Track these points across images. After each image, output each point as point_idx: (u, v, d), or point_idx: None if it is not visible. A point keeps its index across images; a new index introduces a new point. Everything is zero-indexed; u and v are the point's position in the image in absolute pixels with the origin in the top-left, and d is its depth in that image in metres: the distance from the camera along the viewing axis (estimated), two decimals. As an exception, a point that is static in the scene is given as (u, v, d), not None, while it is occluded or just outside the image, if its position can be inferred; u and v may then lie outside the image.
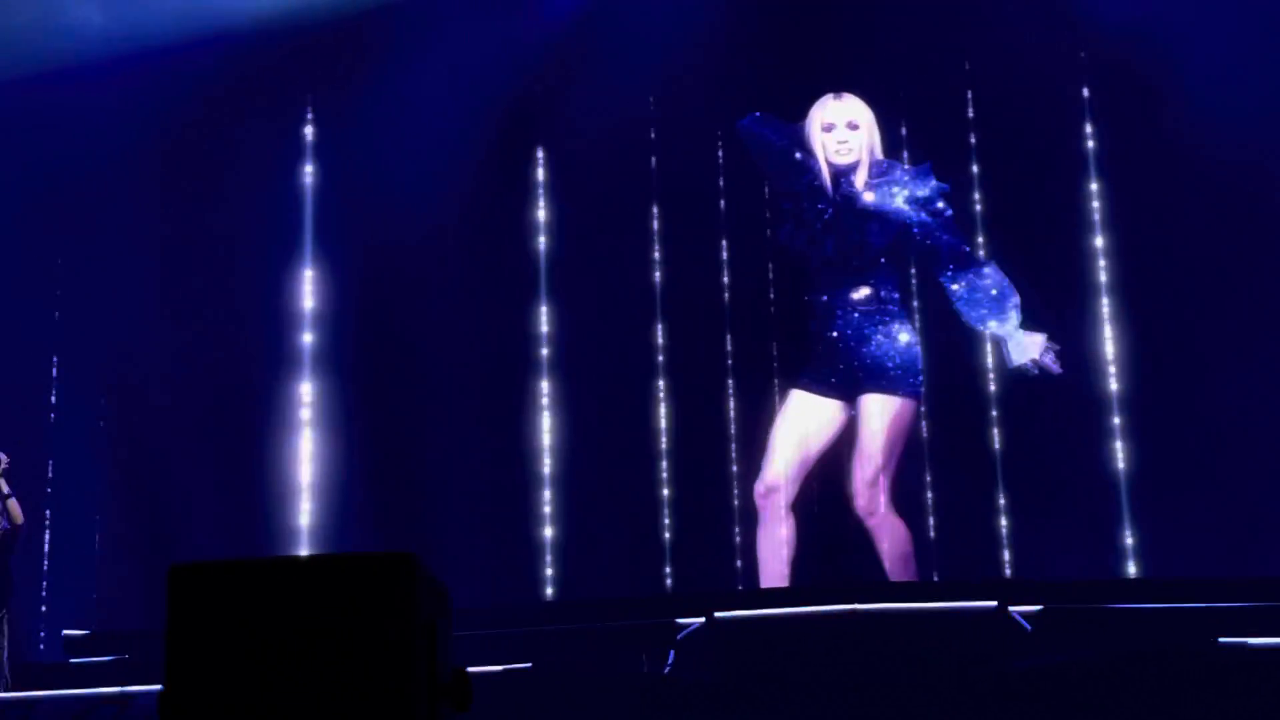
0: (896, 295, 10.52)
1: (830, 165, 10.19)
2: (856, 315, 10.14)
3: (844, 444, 10.50)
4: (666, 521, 11.49)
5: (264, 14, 11.75)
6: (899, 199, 10.15)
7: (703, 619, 9.21)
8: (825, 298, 10.26)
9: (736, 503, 11.37)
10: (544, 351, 11.84)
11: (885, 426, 9.97)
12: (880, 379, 9.99)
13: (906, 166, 10.42)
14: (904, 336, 10.12)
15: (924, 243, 10.36)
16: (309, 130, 12.50)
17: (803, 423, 10.18)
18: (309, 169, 12.40)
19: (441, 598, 2.96)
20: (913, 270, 11.03)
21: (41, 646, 11.15)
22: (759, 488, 10.06)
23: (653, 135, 11.95)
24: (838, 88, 10.93)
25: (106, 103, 11.89)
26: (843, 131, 10.30)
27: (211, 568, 2.88)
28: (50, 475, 11.90)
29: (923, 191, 10.20)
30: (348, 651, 2.78)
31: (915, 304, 10.92)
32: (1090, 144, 11.38)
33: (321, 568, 2.90)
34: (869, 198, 10.09)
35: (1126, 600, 9.62)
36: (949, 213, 10.47)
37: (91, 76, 11.78)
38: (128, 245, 12.11)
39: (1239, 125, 10.39)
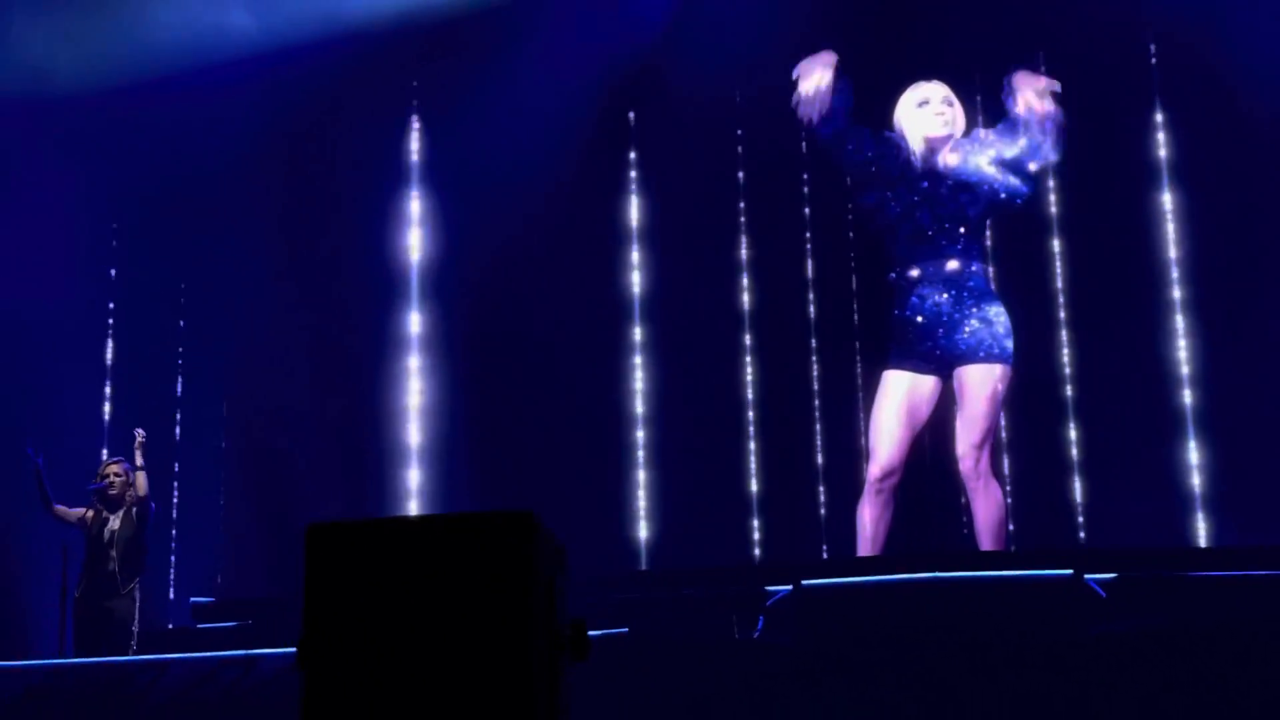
0: (985, 265, 10.37)
1: (926, 140, 10.01)
2: (951, 288, 9.94)
3: (940, 417, 10.45)
4: (754, 489, 11.68)
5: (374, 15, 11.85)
6: (985, 163, 9.94)
7: (790, 586, 9.21)
8: (916, 272, 10.08)
9: (821, 467, 11.55)
10: (637, 331, 12.06)
11: (985, 394, 9.73)
12: (978, 349, 9.79)
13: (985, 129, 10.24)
14: (994, 306, 9.93)
15: (1013, 203, 10.12)
16: (415, 127, 12.67)
17: (905, 402, 9.99)
18: (415, 153, 12.58)
19: (559, 554, 3.00)
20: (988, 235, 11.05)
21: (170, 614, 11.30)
22: (874, 471, 9.81)
23: (739, 131, 12.10)
24: (922, 77, 10.91)
25: (227, 107, 11.99)
26: (939, 105, 10.13)
27: (345, 527, 2.97)
28: (178, 450, 12.08)
29: (1010, 151, 9.98)
30: (471, 606, 2.85)
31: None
32: (1161, 135, 11.37)
33: (446, 526, 2.95)
34: (958, 166, 9.89)
35: (1200, 568, 9.56)
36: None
37: (219, 78, 11.86)
38: (252, 227, 12.30)
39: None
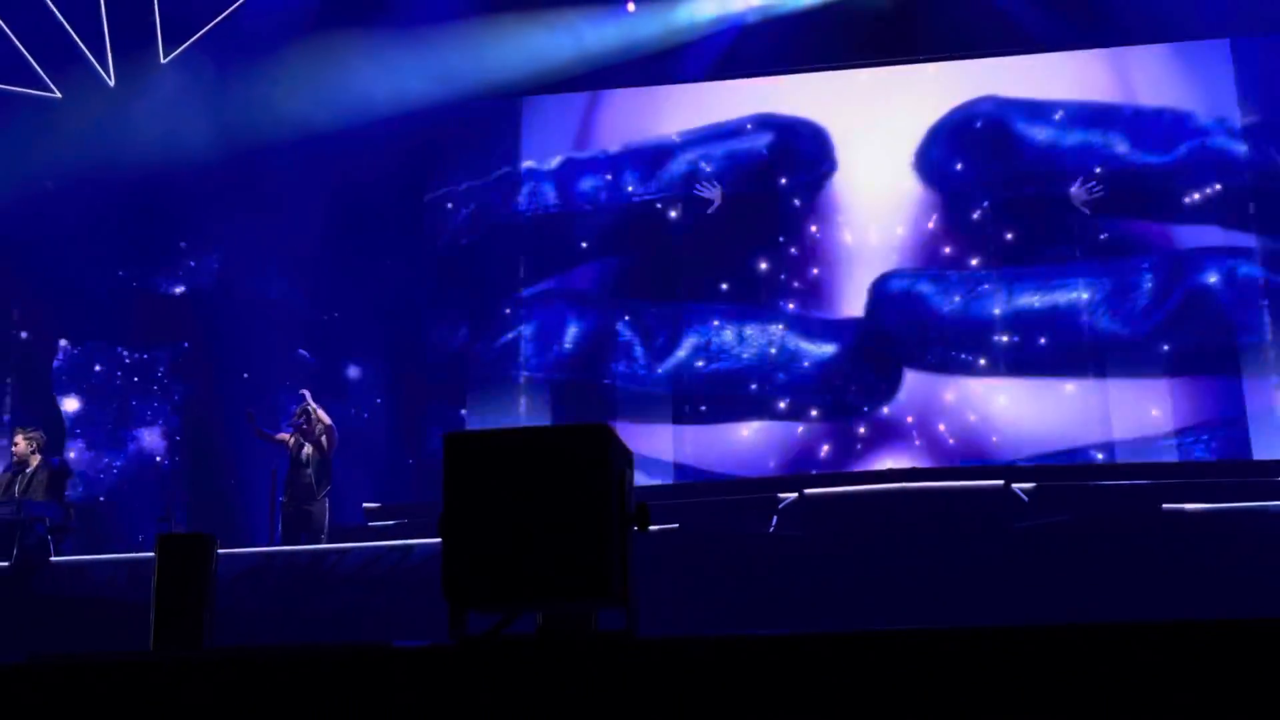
0: None
1: None
2: None
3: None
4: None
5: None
6: None
7: (796, 494, 9.21)
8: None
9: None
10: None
11: None
12: None
13: None
14: None
15: None
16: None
17: None
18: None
19: (627, 455, 3.05)
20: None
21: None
22: None
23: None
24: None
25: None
26: None
27: (472, 435, 3.03)
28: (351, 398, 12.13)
29: None
30: (565, 491, 2.89)
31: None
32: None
33: (546, 434, 3.00)
34: None
35: (1095, 479, 9.53)
36: None
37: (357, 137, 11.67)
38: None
39: None
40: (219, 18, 11.88)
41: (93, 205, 11.47)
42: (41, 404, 11.86)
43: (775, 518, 9.19)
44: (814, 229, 11.81)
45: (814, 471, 10.98)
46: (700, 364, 11.80)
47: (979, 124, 11.48)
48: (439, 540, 2.99)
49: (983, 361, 11.19)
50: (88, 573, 8.75)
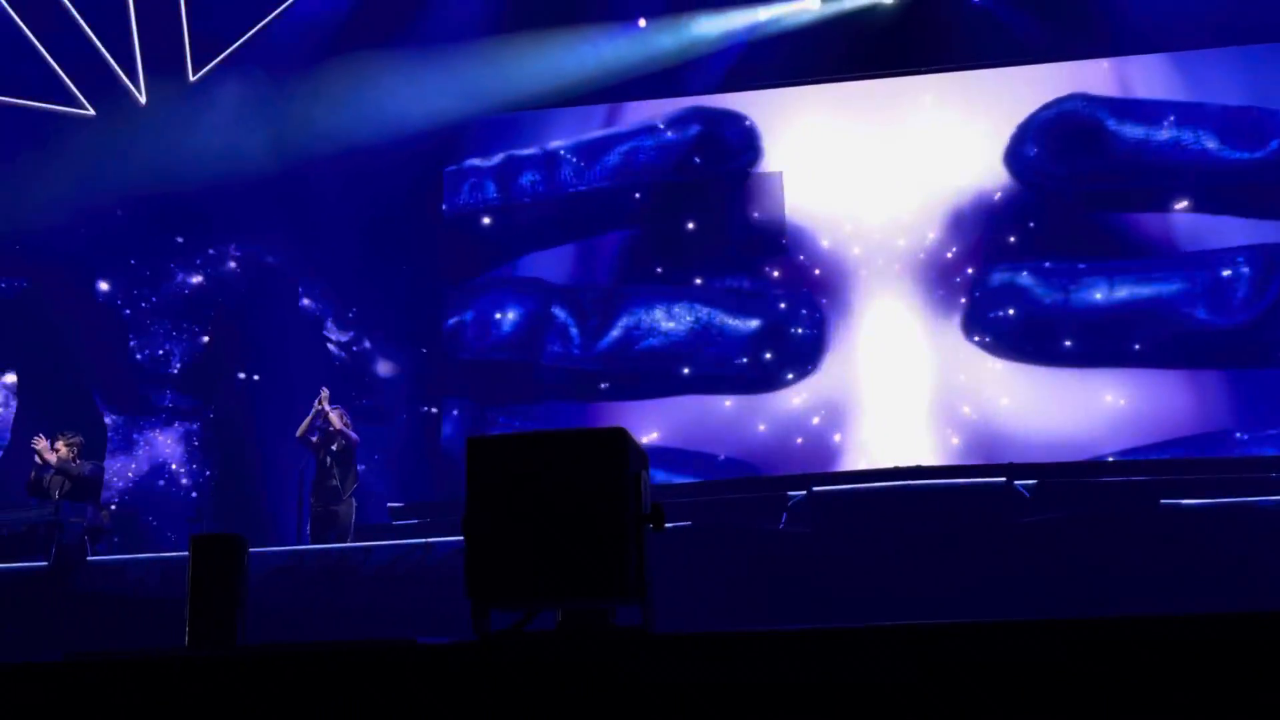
0: None
1: None
2: None
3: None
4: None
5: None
6: None
7: (805, 492, 9.19)
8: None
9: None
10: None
11: None
12: None
13: None
14: None
15: None
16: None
17: None
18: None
19: (643, 457, 3.05)
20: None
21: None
22: None
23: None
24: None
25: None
26: None
27: (493, 439, 3.02)
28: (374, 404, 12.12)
29: None
30: (583, 492, 2.90)
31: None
32: None
33: (564, 438, 3.00)
34: None
35: (1096, 475, 9.49)
36: None
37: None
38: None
39: None
40: (246, 35, 11.92)
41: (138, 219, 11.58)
42: (83, 408, 11.90)
43: (785, 514, 9.17)
44: (749, 212, 11.81)
45: (826, 467, 10.94)
46: (634, 343, 11.88)
47: (1069, 121, 11.42)
48: (460, 537, 3.04)
49: (1081, 352, 11.09)
50: (122, 572, 8.78)
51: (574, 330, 12.05)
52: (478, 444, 2.96)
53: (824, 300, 11.65)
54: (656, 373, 11.84)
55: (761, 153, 11.99)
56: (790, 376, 11.61)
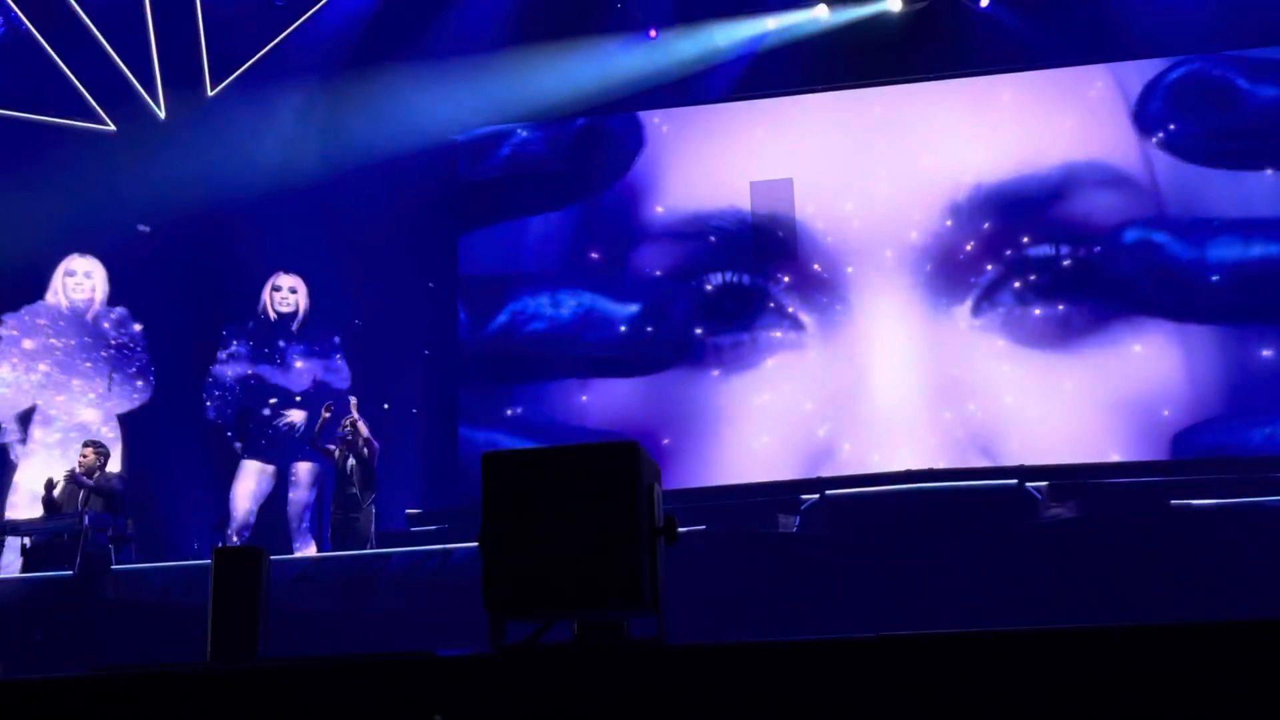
0: None
1: None
2: None
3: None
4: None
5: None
6: None
7: (819, 495, 9.16)
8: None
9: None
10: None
11: None
12: None
13: None
14: None
15: None
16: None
17: None
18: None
19: (655, 470, 3.04)
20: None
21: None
22: None
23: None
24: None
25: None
26: None
27: (508, 454, 3.03)
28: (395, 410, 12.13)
29: None
30: (597, 505, 2.91)
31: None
32: None
33: (579, 452, 3.00)
34: None
35: (1106, 477, 9.44)
36: None
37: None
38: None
39: None
40: (264, 50, 11.99)
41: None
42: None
43: (797, 519, 9.16)
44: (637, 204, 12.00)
45: (827, 474, 10.91)
46: (521, 327, 12.15)
47: (1197, 79, 11.35)
48: (477, 543, 3.02)
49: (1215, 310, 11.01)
50: (146, 580, 8.81)
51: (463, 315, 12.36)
52: (493, 459, 2.97)
53: (829, 302, 11.64)
54: (554, 356, 12.08)
55: (645, 142, 12.17)
56: (802, 386, 11.59)
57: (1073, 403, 10.94)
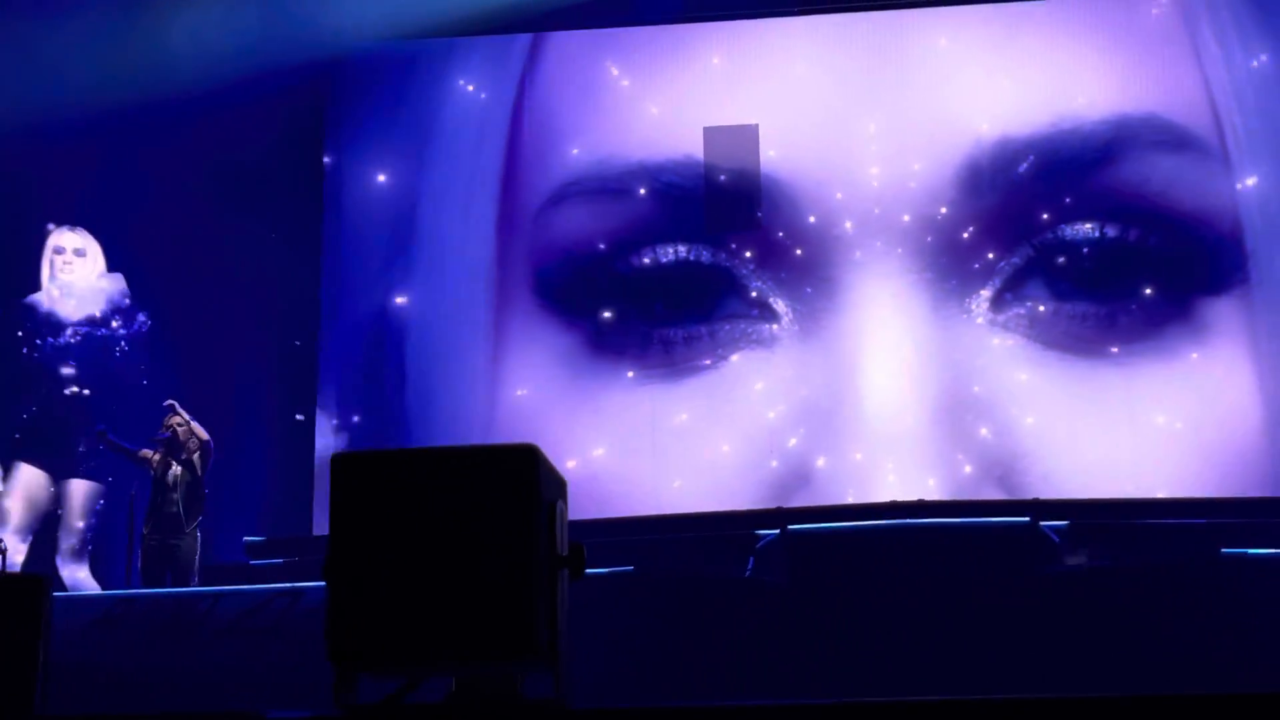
0: None
1: None
2: None
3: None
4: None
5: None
6: None
7: (778, 530, 9.20)
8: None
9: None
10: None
11: None
12: None
13: None
14: None
15: None
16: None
17: None
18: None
19: (561, 485, 3.04)
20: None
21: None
22: None
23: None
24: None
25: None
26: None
27: (367, 456, 3.02)
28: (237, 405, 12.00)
29: None
30: (481, 526, 2.89)
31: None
32: None
33: (459, 456, 2.97)
34: None
35: (1140, 517, 9.56)
36: None
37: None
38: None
39: None
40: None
41: None
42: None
43: (751, 559, 9.22)
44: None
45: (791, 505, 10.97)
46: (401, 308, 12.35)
47: None
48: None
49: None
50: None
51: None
52: (346, 462, 2.94)
53: (808, 289, 11.68)
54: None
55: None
56: (760, 385, 11.62)
57: (1112, 424, 11.09)
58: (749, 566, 9.14)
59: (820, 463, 11.34)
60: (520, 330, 12.08)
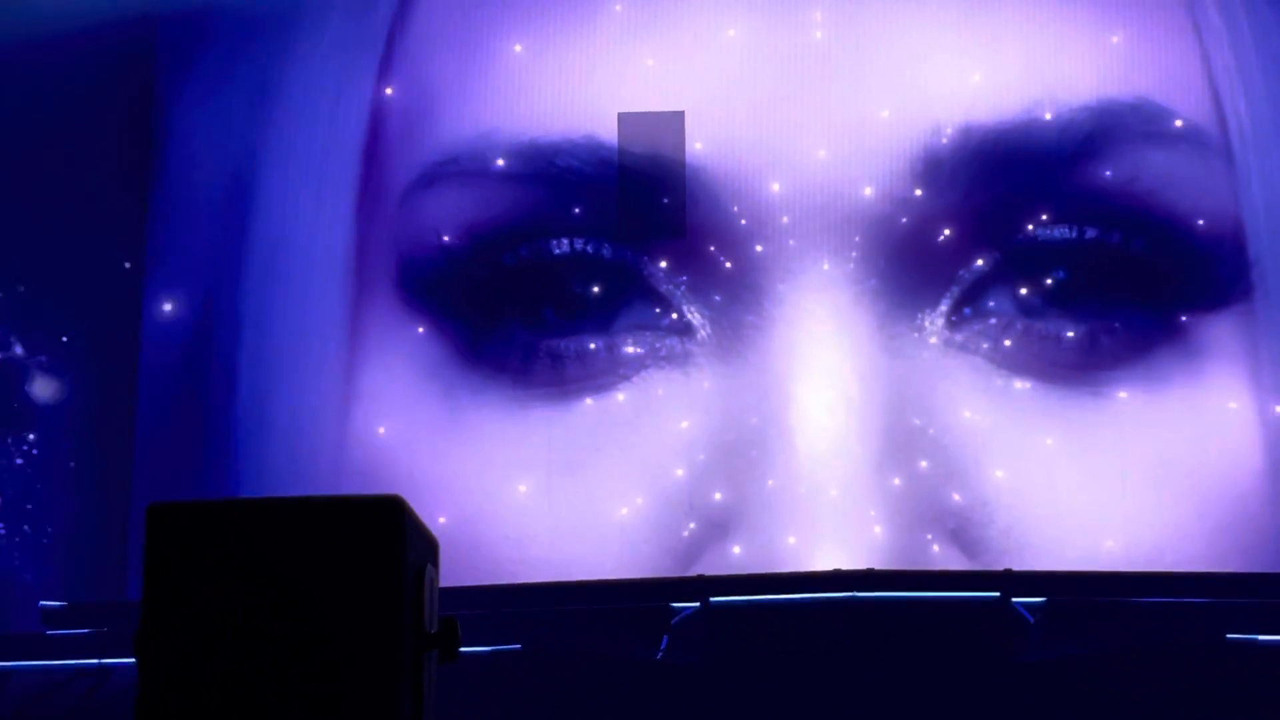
0: None
1: None
2: None
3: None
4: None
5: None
6: None
7: (698, 604, 9.26)
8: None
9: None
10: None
11: None
12: None
13: None
14: None
15: None
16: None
17: None
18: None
19: (431, 546, 3.05)
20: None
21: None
22: None
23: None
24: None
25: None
26: None
27: (192, 507, 2.97)
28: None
29: None
30: (332, 595, 2.87)
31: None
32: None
33: (305, 509, 2.96)
34: None
35: (1131, 594, 9.67)
36: None
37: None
38: None
39: None
40: None
41: None
42: None
43: (665, 637, 9.28)
44: None
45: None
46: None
47: None
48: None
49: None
50: None
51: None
52: (164, 513, 2.91)
53: (743, 304, 11.71)
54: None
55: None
56: (685, 424, 11.64)
57: (1092, 468, 11.19)
58: (662, 646, 9.22)
59: (745, 524, 11.38)
60: (380, 335, 11.97)
